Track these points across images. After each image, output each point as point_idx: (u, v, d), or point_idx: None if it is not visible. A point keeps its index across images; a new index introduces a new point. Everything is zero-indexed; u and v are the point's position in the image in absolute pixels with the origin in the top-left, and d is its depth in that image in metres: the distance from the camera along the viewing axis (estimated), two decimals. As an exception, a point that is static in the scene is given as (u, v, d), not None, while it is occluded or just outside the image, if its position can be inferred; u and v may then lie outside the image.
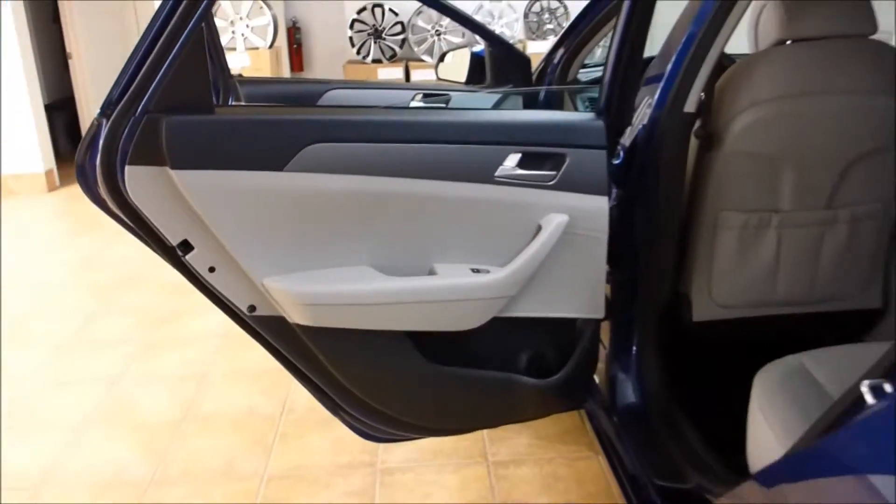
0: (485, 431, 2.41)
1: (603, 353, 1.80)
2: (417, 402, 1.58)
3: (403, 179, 1.39)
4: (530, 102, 2.61)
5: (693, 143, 1.73)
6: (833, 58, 1.65)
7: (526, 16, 6.54)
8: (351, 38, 6.58)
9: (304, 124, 1.32)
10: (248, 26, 5.99)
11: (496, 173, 1.43)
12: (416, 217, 1.43)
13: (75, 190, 5.48)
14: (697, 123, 1.67)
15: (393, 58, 6.55)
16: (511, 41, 6.52)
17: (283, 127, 1.32)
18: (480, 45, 2.68)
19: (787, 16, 1.63)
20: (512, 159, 1.46)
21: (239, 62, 5.74)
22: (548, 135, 1.48)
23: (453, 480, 2.19)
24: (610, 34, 1.91)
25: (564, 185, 1.48)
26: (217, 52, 2.22)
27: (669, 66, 1.57)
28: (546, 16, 6.54)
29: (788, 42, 1.67)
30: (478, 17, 6.53)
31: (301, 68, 7.49)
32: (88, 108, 6.76)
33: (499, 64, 2.59)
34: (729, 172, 1.70)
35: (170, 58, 1.21)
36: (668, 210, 1.65)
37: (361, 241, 1.42)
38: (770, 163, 1.68)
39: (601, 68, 1.95)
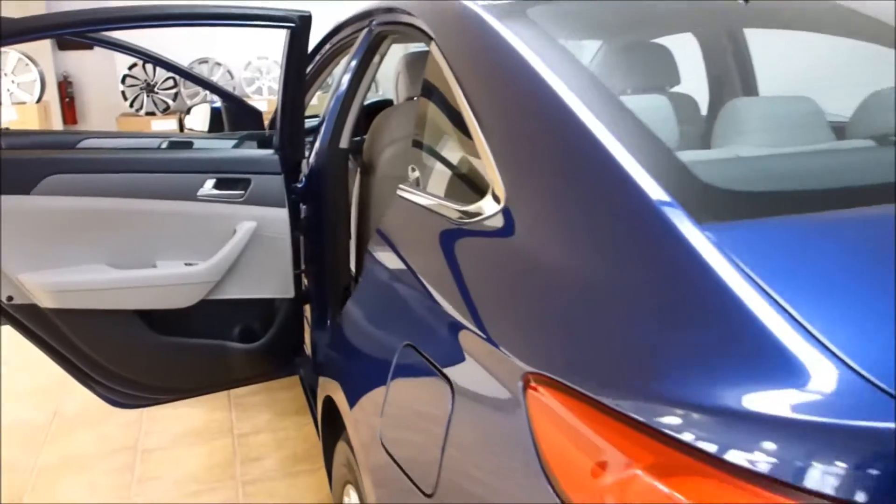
0: (232, 412, 2.94)
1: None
2: (151, 367, 2.09)
3: (126, 199, 1.92)
4: (262, 145, 3.20)
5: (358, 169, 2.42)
6: None
7: (292, 71, 7.17)
8: (123, 93, 6.89)
9: (44, 160, 1.83)
10: (13, 82, 6.14)
11: (198, 193, 2.01)
12: (138, 226, 1.96)
13: None
14: (358, 158, 2.36)
15: (166, 110, 6.93)
16: (276, 94, 7.14)
17: (27, 163, 1.82)
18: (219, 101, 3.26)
19: (410, 80, 2.37)
20: (210, 183, 2.04)
21: (6, 116, 5.89)
22: (236, 165, 2.08)
23: (203, 451, 2.69)
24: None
25: (252, 201, 2.08)
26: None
27: (328, 115, 2.24)
28: (310, 71, 7.21)
29: (415, 98, 2.41)
30: (247, 73, 7.10)
31: (75, 121, 7.62)
32: None
33: (233, 115, 3.18)
34: (382, 191, 2.39)
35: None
36: (337, 220, 2.30)
37: (98, 246, 1.93)
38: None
39: (314, 119, 2.60)
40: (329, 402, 1.63)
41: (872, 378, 0.59)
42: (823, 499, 0.56)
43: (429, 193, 1.39)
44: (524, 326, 0.87)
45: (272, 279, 2.19)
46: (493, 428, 0.86)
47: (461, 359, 0.95)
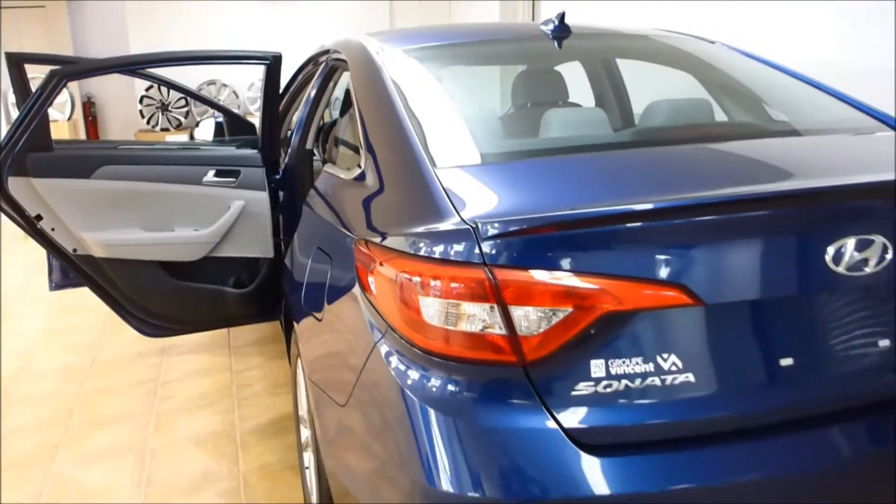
0: (231, 357, 3.79)
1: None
2: (169, 303, 2.94)
3: (154, 183, 2.78)
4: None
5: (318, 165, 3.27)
6: None
7: (290, 91, 8.08)
8: (141, 111, 7.80)
9: (100, 156, 2.70)
10: (47, 102, 7.06)
11: (203, 180, 2.87)
12: (162, 202, 2.82)
13: None
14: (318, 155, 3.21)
15: (179, 126, 7.83)
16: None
17: (89, 157, 2.68)
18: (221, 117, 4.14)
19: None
20: (211, 173, 2.90)
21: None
22: (230, 161, 2.94)
23: (208, 380, 3.54)
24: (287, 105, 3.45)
25: (241, 186, 2.93)
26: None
27: (297, 126, 3.09)
28: (306, 91, 8.12)
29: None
30: (250, 93, 7.99)
31: (97, 137, 8.54)
32: None
33: (232, 127, 4.06)
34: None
35: (31, 126, 2.54)
36: (303, 201, 3.15)
37: (134, 215, 2.79)
38: None
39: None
40: (286, 305, 2.48)
41: (467, 220, 1.41)
42: (445, 262, 1.39)
43: (338, 167, 2.25)
44: (359, 219, 1.72)
45: (256, 243, 3.03)
46: (344, 272, 1.70)
47: (335, 243, 1.81)
